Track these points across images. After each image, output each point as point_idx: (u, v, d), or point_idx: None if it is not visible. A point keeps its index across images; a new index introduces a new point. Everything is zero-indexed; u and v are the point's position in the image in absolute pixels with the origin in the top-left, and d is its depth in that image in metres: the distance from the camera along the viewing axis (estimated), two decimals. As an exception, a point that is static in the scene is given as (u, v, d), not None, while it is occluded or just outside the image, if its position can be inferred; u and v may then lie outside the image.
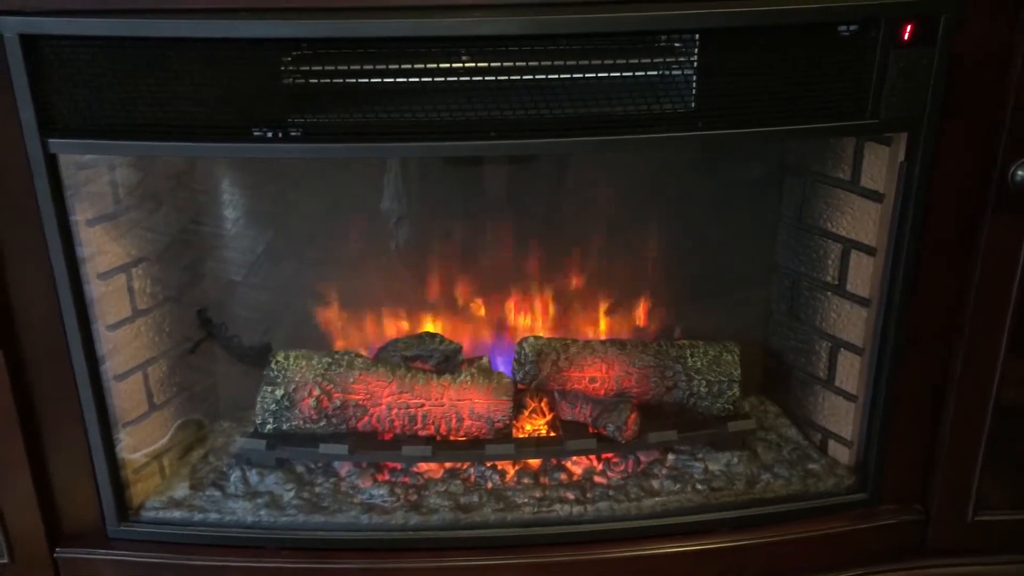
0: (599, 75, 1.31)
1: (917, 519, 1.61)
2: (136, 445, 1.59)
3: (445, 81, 1.29)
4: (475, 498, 1.61)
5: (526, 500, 1.59)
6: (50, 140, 1.30)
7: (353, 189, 1.73)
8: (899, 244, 1.45)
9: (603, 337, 1.81)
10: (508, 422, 1.63)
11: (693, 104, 1.32)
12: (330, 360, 1.64)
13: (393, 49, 1.28)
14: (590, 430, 1.67)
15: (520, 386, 1.69)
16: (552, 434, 1.71)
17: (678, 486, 1.63)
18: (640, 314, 1.84)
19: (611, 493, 1.61)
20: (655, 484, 1.64)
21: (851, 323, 1.61)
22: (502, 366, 1.79)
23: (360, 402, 1.61)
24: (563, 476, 1.65)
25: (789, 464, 1.68)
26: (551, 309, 1.83)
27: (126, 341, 1.56)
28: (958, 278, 1.47)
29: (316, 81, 1.30)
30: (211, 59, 1.26)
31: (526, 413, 1.75)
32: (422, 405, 1.62)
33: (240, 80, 1.27)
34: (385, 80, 1.30)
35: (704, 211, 1.77)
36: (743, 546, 1.57)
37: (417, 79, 1.29)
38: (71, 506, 1.54)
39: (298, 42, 1.27)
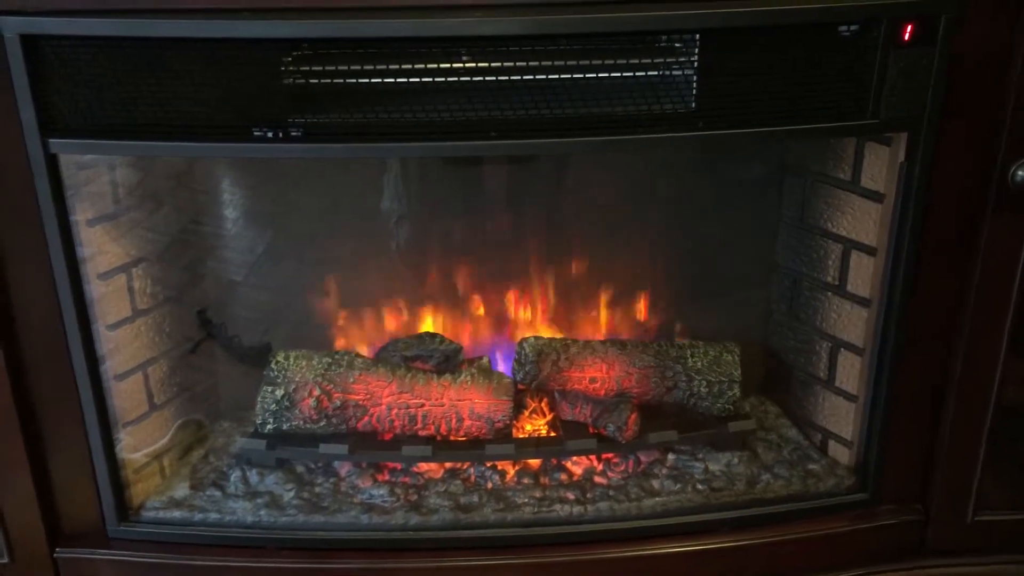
0: (599, 75, 1.31)
1: (917, 519, 1.61)
2: (136, 445, 1.59)
3: (445, 81, 1.29)
4: (475, 498, 1.61)
5: (526, 500, 1.59)
6: (50, 140, 1.30)
7: (353, 189, 1.73)
8: (899, 244, 1.45)
9: (603, 337, 1.81)
10: (508, 422, 1.63)
11: (693, 104, 1.32)
12: (330, 360, 1.64)
13: (393, 49, 1.29)
14: (590, 430, 1.67)
15: (520, 386, 1.69)
16: (552, 434, 1.71)
17: (678, 486, 1.63)
18: (640, 314, 1.84)
19: (611, 493, 1.61)
20: (655, 484, 1.64)
21: (851, 323, 1.61)
22: (502, 366, 1.79)
23: (360, 402, 1.61)
24: (563, 476, 1.65)
25: (789, 464, 1.68)
26: (551, 309, 1.83)
27: (126, 341, 1.56)
28: (958, 278, 1.47)
29: (316, 81, 1.30)
30: (211, 59, 1.26)
31: (526, 413, 1.75)
32: (422, 405, 1.62)
33: (240, 80, 1.27)
34: (385, 80, 1.30)
35: (704, 211, 1.77)
36: (743, 546, 1.57)
37: (417, 79, 1.29)
38: (71, 506, 1.54)
39: (298, 42, 1.27)
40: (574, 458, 1.68)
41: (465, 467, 1.67)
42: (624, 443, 1.65)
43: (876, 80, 1.32)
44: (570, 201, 1.76)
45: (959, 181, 1.41)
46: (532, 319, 1.83)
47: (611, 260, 1.81)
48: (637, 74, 1.32)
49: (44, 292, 1.40)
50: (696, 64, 1.30)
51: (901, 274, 1.46)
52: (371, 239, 1.77)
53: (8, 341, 1.41)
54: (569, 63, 1.30)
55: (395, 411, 1.62)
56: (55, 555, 1.54)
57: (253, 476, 1.64)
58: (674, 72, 1.32)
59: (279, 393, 1.61)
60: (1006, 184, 1.39)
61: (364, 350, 1.78)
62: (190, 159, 1.65)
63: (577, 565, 1.54)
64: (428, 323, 1.81)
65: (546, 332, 1.81)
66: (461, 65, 1.28)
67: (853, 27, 1.30)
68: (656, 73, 1.32)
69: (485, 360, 1.72)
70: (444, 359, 1.67)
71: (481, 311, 1.83)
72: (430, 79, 1.29)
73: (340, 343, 1.80)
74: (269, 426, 1.62)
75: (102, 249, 1.48)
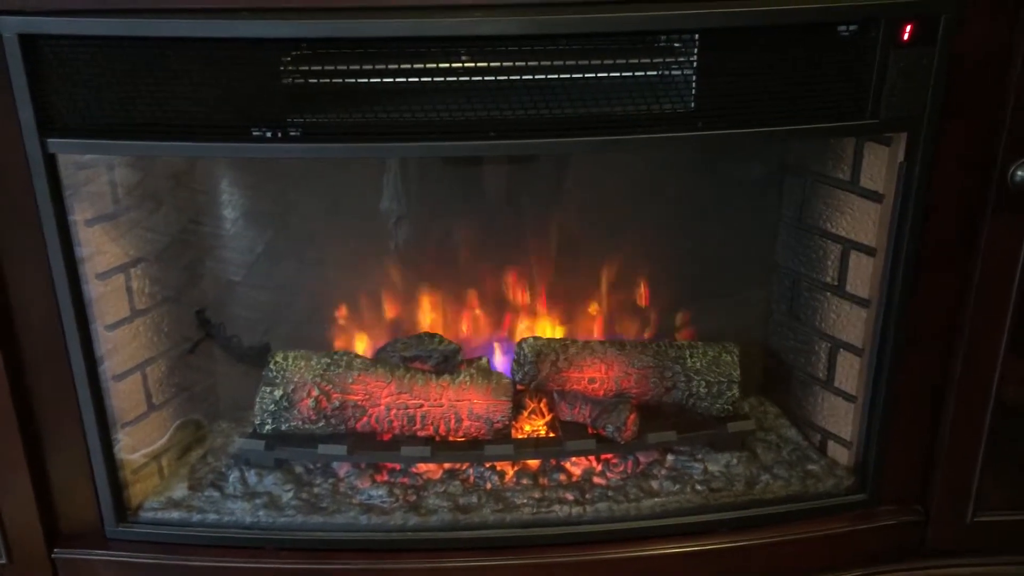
0: (599, 75, 1.31)
1: (917, 520, 1.61)
2: (135, 445, 1.59)
3: (445, 81, 1.29)
4: (474, 499, 1.60)
5: (525, 501, 1.59)
6: (49, 140, 1.30)
7: (352, 189, 1.73)
8: (899, 244, 1.45)
9: (602, 337, 1.81)
10: (507, 423, 1.63)
11: (693, 104, 1.32)
12: (329, 360, 1.64)
13: (393, 49, 1.28)
14: (589, 431, 1.66)
15: (519, 387, 1.69)
16: (551, 435, 1.71)
17: (677, 487, 1.63)
18: (640, 314, 1.84)
19: (610, 494, 1.61)
20: (654, 485, 1.64)
21: (851, 324, 1.61)
22: (501, 363, 1.79)
23: (359, 403, 1.61)
24: (562, 477, 1.65)
25: (788, 465, 1.68)
26: (550, 309, 1.83)
27: (125, 341, 1.56)
28: (958, 278, 1.47)
29: (316, 81, 1.30)
30: (210, 59, 1.26)
31: (525, 414, 1.75)
32: (421, 406, 1.62)
33: (239, 80, 1.27)
34: (385, 80, 1.30)
35: (704, 211, 1.77)
36: (742, 547, 1.57)
37: (417, 79, 1.29)
38: (69, 507, 1.53)
39: (298, 42, 1.27)
40: (573, 459, 1.68)
41: (464, 468, 1.67)
42: (623, 444, 1.65)
43: (876, 80, 1.32)
44: (569, 201, 1.76)
45: (959, 181, 1.41)
46: (531, 319, 1.83)
47: (611, 260, 1.80)
48: (636, 74, 1.32)
49: (43, 292, 1.39)
50: (695, 64, 1.30)
51: (900, 274, 1.46)
52: (370, 239, 1.76)
53: (7, 341, 1.41)
54: (568, 63, 1.30)
55: (394, 411, 1.62)
56: (53, 556, 1.54)
57: (252, 477, 1.64)
58: (673, 72, 1.32)
59: (278, 393, 1.61)
60: (1006, 184, 1.39)
61: (363, 350, 1.78)
62: (189, 159, 1.65)
63: (576, 566, 1.54)
64: (427, 322, 1.81)
65: (545, 332, 1.81)
66: (460, 65, 1.28)
67: (852, 27, 1.30)
68: (655, 73, 1.32)
69: (484, 360, 1.72)
70: (443, 359, 1.67)
71: (480, 311, 1.83)
72: (429, 79, 1.29)
73: (339, 343, 1.80)
74: (268, 426, 1.62)
75: (101, 249, 1.48)
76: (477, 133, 1.31)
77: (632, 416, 1.64)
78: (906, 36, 1.30)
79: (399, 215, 1.74)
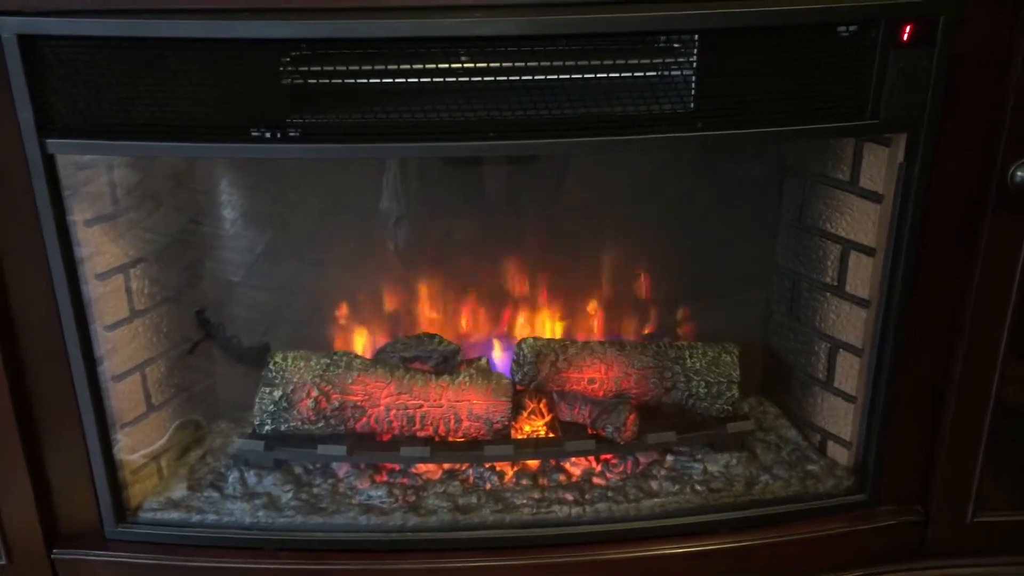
0: (598, 75, 1.31)
1: (917, 520, 1.61)
2: (134, 446, 1.59)
3: (444, 82, 1.29)
4: (474, 499, 1.60)
5: (525, 501, 1.59)
6: (48, 140, 1.30)
7: (352, 189, 1.73)
8: (898, 245, 1.45)
9: (602, 338, 1.81)
10: (507, 423, 1.63)
11: (692, 105, 1.32)
12: (328, 361, 1.64)
13: (392, 49, 1.28)
14: (589, 431, 1.66)
15: (519, 387, 1.69)
16: (551, 435, 1.71)
17: (677, 487, 1.63)
18: (640, 314, 1.84)
19: (610, 494, 1.61)
20: (654, 485, 1.64)
21: (850, 324, 1.61)
22: (501, 358, 1.79)
23: (358, 403, 1.61)
24: (562, 477, 1.65)
25: (788, 465, 1.68)
26: (550, 309, 1.83)
27: (124, 342, 1.56)
28: (958, 279, 1.47)
29: (315, 81, 1.30)
30: (210, 59, 1.25)
31: (525, 414, 1.75)
32: (420, 406, 1.62)
33: (239, 80, 1.27)
34: (384, 81, 1.30)
35: (704, 212, 1.77)
36: (742, 547, 1.57)
37: (416, 79, 1.29)
38: (69, 507, 1.53)
39: (297, 42, 1.27)
40: (573, 459, 1.68)
41: (464, 468, 1.67)
42: (623, 444, 1.65)
43: (875, 80, 1.32)
44: (569, 202, 1.76)
45: (959, 181, 1.41)
46: (531, 319, 1.83)
47: (611, 261, 1.80)
48: (636, 74, 1.32)
49: (42, 292, 1.39)
50: (695, 64, 1.30)
51: (900, 275, 1.46)
52: (370, 240, 1.76)
53: (6, 342, 1.41)
54: (568, 63, 1.30)
55: (393, 412, 1.62)
56: (52, 556, 1.54)
57: (251, 477, 1.64)
58: (673, 72, 1.31)
59: (277, 394, 1.61)
60: (1006, 184, 1.39)
61: (362, 350, 1.78)
62: (189, 159, 1.65)
63: (576, 566, 1.54)
64: (427, 322, 1.81)
65: (544, 332, 1.81)
66: (460, 65, 1.28)
67: (852, 28, 1.30)
68: (655, 74, 1.32)
69: (484, 361, 1.72)
70: (442, 360, 1.67)
71: (480, 311, 1.83)
72: (429, 79, 1.29)
73: (338, 344, 1.80)
74: (267, 427, 1.62)
75: (100, 249, 1.48)
76: (477, 133, 1.31)
77: (632, 416, 1.64)
78: (906, 36, 1.30)
79: (399, 215, 1.74)
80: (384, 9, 1.26)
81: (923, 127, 1.36)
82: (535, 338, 1.70)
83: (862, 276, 1.56)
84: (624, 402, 1.66)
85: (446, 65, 1.28)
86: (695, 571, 1.57)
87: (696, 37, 1.29)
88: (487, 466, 1.66)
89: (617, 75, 1.32)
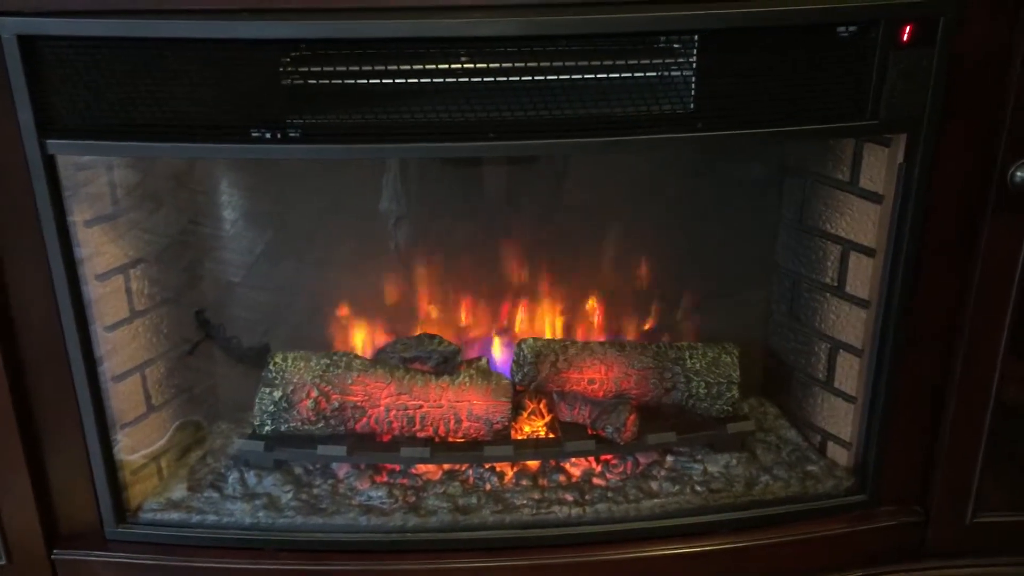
0: (598, 76, 1.31)
1: (916, 520, 1.61)
2: (134, 446, 1.59)
3: (444, 82, 1.29)
4: (474, 500, 1.60)
5: (525, 502, 1.59)
6: (48, 141, 1.30)
7: (352, 190, 1.73)
8: (898, 245, 1.45)
9: (602, 338, 1.81)
10: (507, 423, 1.63)
11: (692, 105, 1.32)
12: (328, 361, 1.64)
13: (392, 50, 1.28)
14: (589, 432, 1.66)
15: (519, 387, 1.69)
16: (551, 436, 1.71)
17: (677, 488, 1.63)
18: (640, 315, 1.84)
19: (610, 495, 1.61)
20: (654, 486, 1.64)
21: (850, 324, 1.61)
22: (502, 352, 1.79)
23: (358, 403, 1.61)
24: (562, 478, 1.65)
25: (788, 466, 1.68)
26: (550, 310, 1.83)
27: (124, 342, 1.56)
28: (958, 279, 1.47)
29: (315, 82, 1.30)
30: (210, 60, 1.25)
31: (525, 415, 1.75)
32: (420, 406, 1.62)
33: (239, 81, 1.27)
34: (384, 81, 1.30)
35: (704, 212, 1.77)
36: (742, 548, 1.57)
37: (416, 80, 1.29)
38: (69, 507, 1.53)
39: (297, 43, 1.27)
40: (573, 459, 1.68)
41: (464, 468, 1.67)
42: (622, 444, 1.65)
43: (875, 81, 1.32)
44: (569, 202, 1.76)
45: (959, 182, 1.41)
46: (530, 318, 1.83)
47: (610, 261, 1.80)
48: (636, 75, 1.32)
49: (42, 293, 1.39)
50: (695, 65, 1.30)
51: (900, 275, 1.46)
52: (370, 240, 1.76)
53: (6, 342, 1.41)
54: (568, 64, 1.30)
55: (393, 412, 1.62)
56: (52, 557, 1.54)
57: (251, 478, 1.64)
58: (673, 73, 1.31)
59: (277, 394, 1.61)
60: (1006, 184, 1.39)
61: (362, 351, 1.78)
62: (189, 160, 1.65)
63: (576, 567, 1.54)
64: (427, 321, 1.81)
65: (544, 332, 1.81)
66: (460, 66, 1.28)
67: (852, 28, 1.29)
68: (655, 74, 1.32)
69: (484, 361, 1.71)
70: (442, 360, 1.67)
71: (480, 311, 1.83)
72: (429, 80, 1.29)
73: (338, 344, 1.80)
74: (267, 427, 1.62)
75: (100, 250, 1.48)
76: (476, 134, 1.31)
77: (632, 417, 1.64)
78: (906, 37, 1.30)
79: (398, 215, 1.74)
80: (384, 9, 1.26)
81: (923, 127, 1.36)
82: (535, 339, 1.70)
83: (862, 276, 1.56)
84: (624, 403, 1.66)
85: (446, 66, 1.28)
86: (695, 571, 1.57)
87: (696, 38, 1.29)
88: (487, 467, 1.66)
89: (617, 76, 1.32)
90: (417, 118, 1.29)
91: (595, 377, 1.68)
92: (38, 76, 1.26)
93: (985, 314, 1.48)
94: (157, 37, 1.24)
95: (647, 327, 1.84)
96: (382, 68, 1.29)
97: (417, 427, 1.63)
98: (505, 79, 1.29)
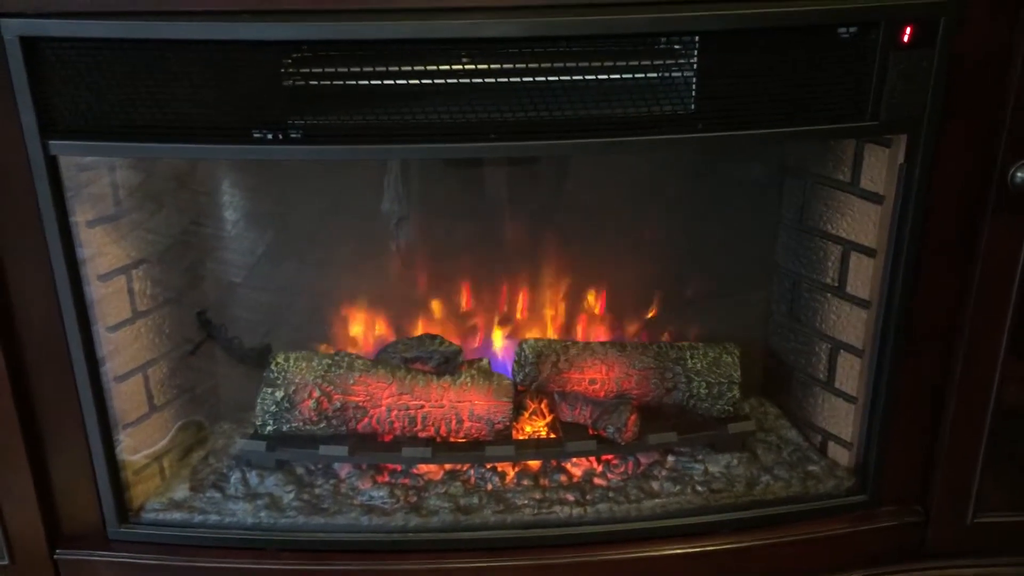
0: (599, 77, 1.31)
1: (917, 521, 1.61)
2: (136, 446, 1.59)
3: (445, 83, 1.29)
4: (475, 500, 1.61)
5: (526, 502, 1.59)
6: (51, 142, 1.30)
7: (353, 191, 1.73)
8: (899, 246, 1.45)
9: (603, 339, 1.81)
10: (508, 424, 1.63)
11: (693, 106, 1.32)
12: (330, 362, 1.64)
13: (393, 51, 1.28)
14: (590, 432, 1.67)
15: (520, 388, 1.69)
16: (552, 436, 1.71)
17: (678, 488, 1.63)
18: (641, 315, 1.84)
19: (611, 495, 1.61)
20: (655, 486, 1.64)
21: (851, 325, 1.61)
22: (503, 348, 1.79)
23: (360, 404, 1.61)
24: (563, 478, 1.65)
25: (789, 466, 1.68)
26: (551, 310, 1.83)
27: (126, 343, 1.56)
28: (958, 279, 1.47)
29: (316, 83, 1.30)
30: (211, 61, 1.26)
31: (526, 415, 1.75)
32: (422, 407, 1.62)
33: (240, 82, 1.27)
34: (385, 82, 1.30)
35: (705, 213, 1.77)
36: (743, 548, 1.57)
37: (417, 81, 1.29)
38: (71, 507, 1.54)
39: (298, 44, 1.27)
40: (574, 460, 1.68)
41: (465, 469, 1.67)
42: (623, 445, 1.65)
43: (876, 82, 1.32)
44: (570, 203, 1.76)
45: (959, 182, 1.41)
46: (531, 320, 1.83)
47: (611, 261, 1.81)
48: (637, 76, 1.32)
49: (44, 293, 1.40)
50: (695, 66, 1.30)
51: (901, 275, 1.46)
52: (371, 241, 1.77)
53: (9, 343, 1.41)
54: (569, 65, 1.30)
55: (395, 413, 1.62)
56: (55, 556, 1.54)
57: (253, 478, 1.64)
58: (674, 74, 1.32)
59: (279, 395, 1.61)
60: (1006, 185, 1.39)
61: (364, 351, 1.78)
62: (190, 161, 1.65)
63: (577, 567, 1.54)
64: (429, 322, 1.81)
65: (545, 332, 1.81)
66: (461, 67, 1.28)
67: (852, 29, 1.30)
68: (656, 75, 1.32)
69: (485, 362, 1.72)
70: (444, 360, 1.67)
71: (481, 312, 1.83)
72: (430, 81, 1.29)
73: (340, 345, 1.80)
74: (269, 428, 1.62)
75: (102, 250, 1.48)
76: (478, 135, 1.31)
77: (633, 417, 1.64)
78: (906, 38, 1.30)
79: (400, 216, 1.74)
80: (385, 11, 1.26)
81: (923, 128, 1.36)
82: (536, 339, 1.71)
83: (863, 277, 1.57)
84: (625, 403, 1.66)
85: (447, 67, 1.28)
86: (696, 571, 1.57)
87: (697, 39, 1.29)
88: (488, 467, 1.66)
89: (618, 77, 1.32)
90: (418, 119, 1.29)
91: (596, 377, 1.68)
92: (40, 77, 1.26)
93: (985, 314, 1.48)
94: (159, 38, 1.24)
95: (648, 328, 1.84)
96: (383, 69, 1.29)
97: (419, 427, 1.63)
98: (506, 80, 1.29)
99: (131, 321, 1.57)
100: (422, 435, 1.64)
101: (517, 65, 1.28)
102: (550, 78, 1.29)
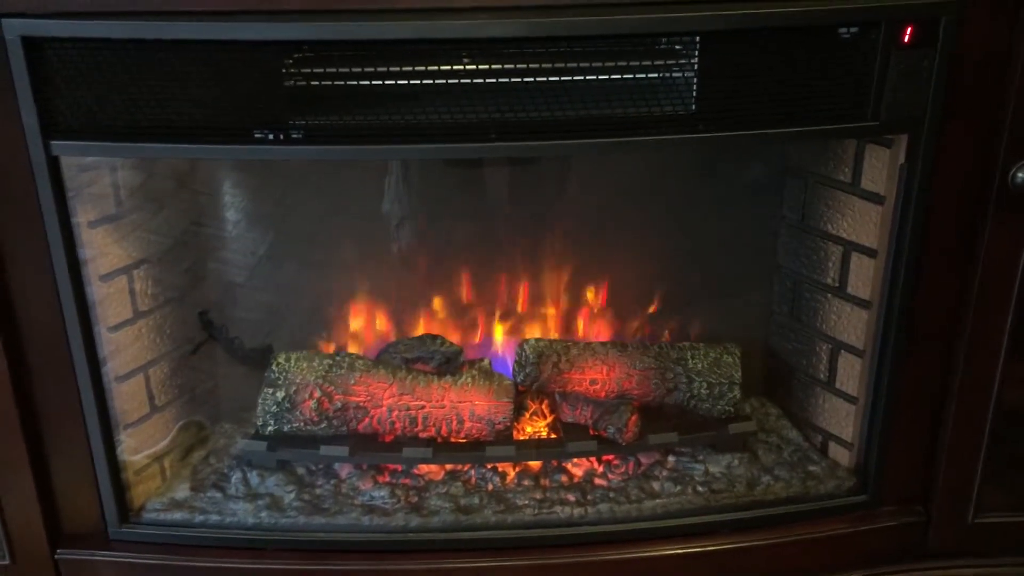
0: (600, 77, 1.31)
1: (918, 521, 1.61)
2: (137, 447, 1.59)
3: (446, 83, 1.29)
4: (476, 500, 1.61)
5: (527, 502, 1.59)
6: (52, 142, 1.30)
7: (354, 191, 1.73)
8: (900, 246, 1.45)
9: (604, 339, 1.81)
10: (509, 424, 1.63)
11: (694, 106, 1.32)
12: (331, 362, 1.64)
13: (394, 51, 1.29)
14: (591, 432, 1.67)
15: (521, 388, 1.69)
16: (553, 436, 1.71)
17: (679, 488, 1.63)
18: (641, 316, 1.84)
19: (612, 495, 1.61)
20: (656, 486, 1.64)
21: (852, 325, 1.61)
22: (503, 347, 1.79)
23: (361, 404, 1.62)
24: (564, 478, 1.65)
25: (790, 466, 1.68)
26: (552, 311, 1.83)
27: (127, 343, 1.56)
28: (958, 280, 1.47)
29: (317, 83, 1.30)
30: (213, 61, 1.26)
31: (527, 415, 1.75)
32: (423, 407, 1.62)
33: (241, 82, 1.27)
34: (386, 83, 1.30)
35: (705, 213, 1.77)
36: (744, 548, 1.57)
37: (418, 81, 1.29)
38: (72, 507, 1.54)
39: (299, 44, 1.27)
40: (574, 460, 1.68)
41: (466, 469, 1.67)
42: (624, 445, 1.65)
43: (876, 82, 1.32)
44: (571, 203, 1.76)
45: (959, 183, 1.42)
46: (532, 320, 1.83)
47: (612, 261, 1.81)
48: (637, 76, 1.32)
49: (45, 293, 1.40)
50: (696, 66, 1.30)
51: (901, 276, 1.46)
52: (372, 241, 1.77)
53: (10, 343, 1.41)
54: (569, 65, 1.30)
55: (396, 413, 1.62)
56: (56, 556, 1.54)
57: (254, 478, 1.65)
58: (674, 74, 1.32)
59: (280, 395, 1.61)
60: (1006, 185, 1.39)
61: (364, 351, 1.78)
62: (192, 161, 1.65)
63: (577, 567, 1.54)
64: (430, 322, 1.82)
65: (546, 332, 1.81)
66: (462, 67, 1.28)
67: (853, 29, 1.30)
68: (656, 75, 1.32)
69: (486, 362, 1.72)
70: (445, 361, 1.67)
71: (481, 312, 1.83)
72: (431, 81, 1.29)
73: (341, 345, 1.80)
74: (270, 428, 1.63)
75: (103, 251, 1.49)
76: (478, 135, 1.31)
77: (633, 417, 1.64)
78: (907, 38, 1.30)
79: (401, 217, 1.74)
80: (385, 11, 1.26)
81: (924, 128, 1.36)
82: (537, 339, 1.71)
83: (863, 277, 1.57)
84: (626, 403, 1.66)
85: (448, 67, 1.28)
86: (696, 572, 1.58)
87: (697, 39, 1.29)
88: (489, 467, 1.66)
89: (619, 77, 1.32)
90: (419, 119, 1.29)
91: (597, 377, 1.68)
92: (42, 77, 1.26)
93: (986, 315, 1.48)
94: (160, 39, 1.24)
95: (647, 331, 1.84)
96: (384, 70, 1.29)
97: (419, 427, 1.63)
98: (507, 80, 1.29)
99: (132, 321, 1.57)
100: (423, 435, 1.64)
101: (518, 65, 1.29)
102: (551, 78, 1.30)
